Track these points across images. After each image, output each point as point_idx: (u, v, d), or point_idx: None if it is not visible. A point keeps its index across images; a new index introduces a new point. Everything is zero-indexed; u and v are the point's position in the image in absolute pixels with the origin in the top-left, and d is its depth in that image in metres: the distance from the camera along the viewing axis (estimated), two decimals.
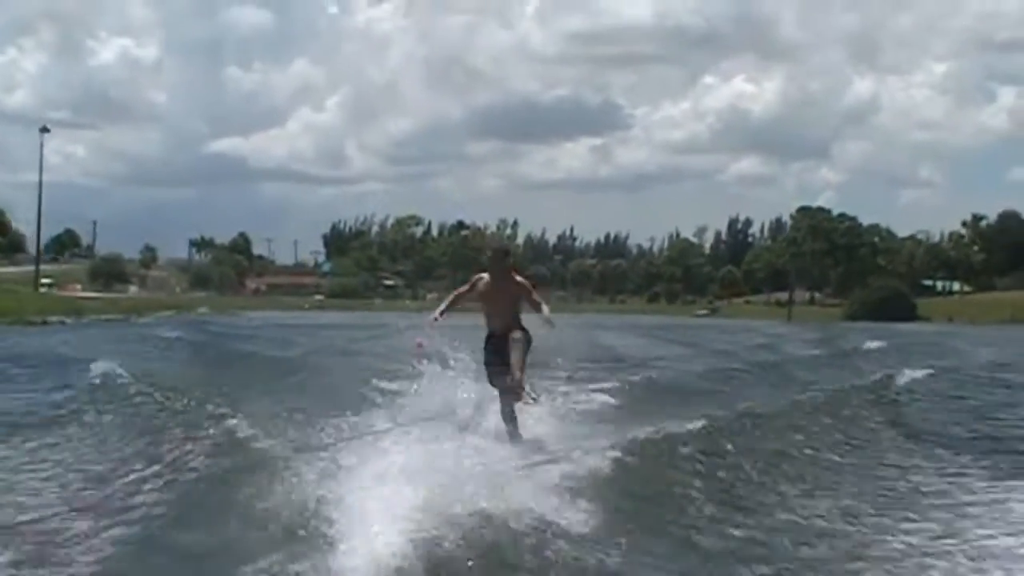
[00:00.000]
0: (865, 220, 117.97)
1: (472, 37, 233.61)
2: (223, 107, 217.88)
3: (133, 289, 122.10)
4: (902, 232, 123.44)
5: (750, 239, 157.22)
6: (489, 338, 10.89)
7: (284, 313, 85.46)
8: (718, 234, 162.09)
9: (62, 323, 50.60)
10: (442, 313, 10.97)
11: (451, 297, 11.26)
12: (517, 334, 10.64)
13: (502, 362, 10.53)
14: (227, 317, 68.18)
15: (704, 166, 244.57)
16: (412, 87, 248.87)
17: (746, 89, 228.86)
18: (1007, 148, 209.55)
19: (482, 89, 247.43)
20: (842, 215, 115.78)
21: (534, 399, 10.83)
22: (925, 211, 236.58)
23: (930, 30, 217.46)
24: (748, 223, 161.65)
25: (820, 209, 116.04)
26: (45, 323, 49.58)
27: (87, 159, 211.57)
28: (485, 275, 10.94)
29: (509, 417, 10.55)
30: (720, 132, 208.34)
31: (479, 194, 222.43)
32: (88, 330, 44.48)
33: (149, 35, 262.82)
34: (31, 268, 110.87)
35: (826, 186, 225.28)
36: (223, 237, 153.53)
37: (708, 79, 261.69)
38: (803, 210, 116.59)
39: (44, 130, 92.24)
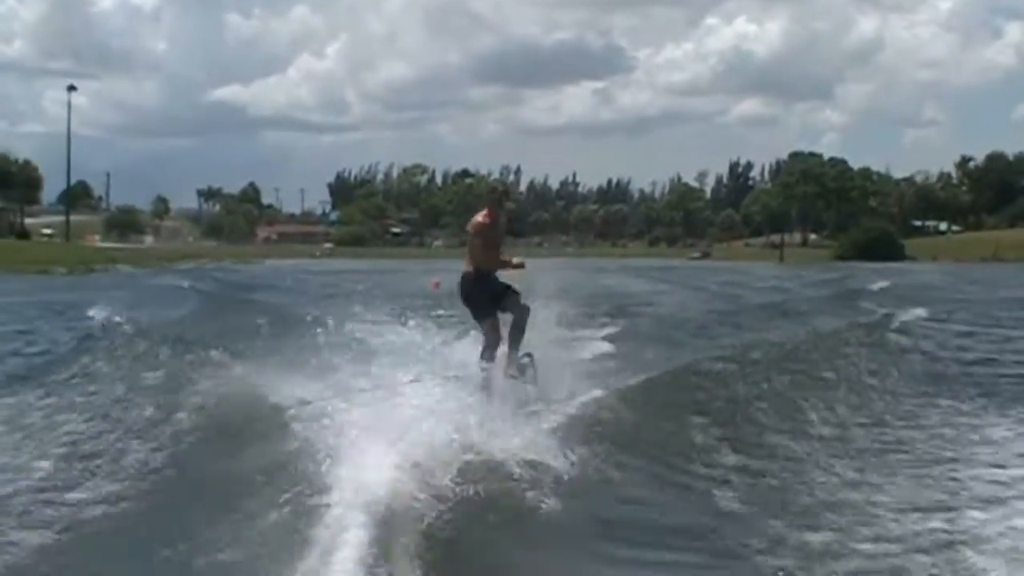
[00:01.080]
0: (869, 161, 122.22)
1: None
2: (223, 55, 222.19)
3: (149, 239, 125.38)
4: (905, 172, 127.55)
5: (751, 182, 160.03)
6: (475, 276, 10.57)
7: (302, 260, 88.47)
8: (719, 178, 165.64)
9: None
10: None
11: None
12: (518, 297, 10.58)
13: (490, 302, 10.50)
14: (256, 266, 71.91)
15: (707, 108, 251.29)
16: (412, 33, 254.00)
17: (749, 30, 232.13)
18: (1013, 85, 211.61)
19: (483, 34, 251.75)
20: (832, 159, 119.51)
21: (529, 357, 10.49)
22: (930, 151, 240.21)
23: None
24: (749, 166, 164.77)
25: (812, 154, 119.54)
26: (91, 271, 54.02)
27: (88, 109, 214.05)
28: (480, 216, 10.65)
29: (489, 357, 10.33)
30: (723, 74, 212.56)
31: (481, 140, 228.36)
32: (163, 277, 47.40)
33: None
34: (44, 219, 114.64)
35: (829, 127, 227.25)
36: (227, 186, 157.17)
37: (711, 20, 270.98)
38: (795, 155, 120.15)
39: (71, 88, 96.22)
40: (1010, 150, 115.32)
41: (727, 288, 38.71)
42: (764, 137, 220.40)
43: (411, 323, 12.28)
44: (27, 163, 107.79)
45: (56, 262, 56.32)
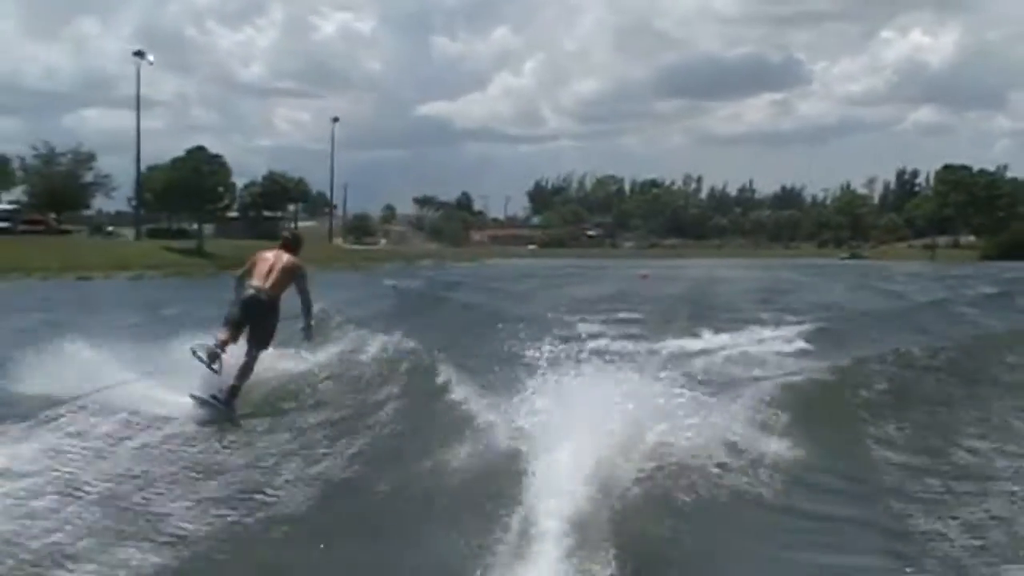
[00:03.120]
0: None
1: (658, 2, 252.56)
2: (431, 73, 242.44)
3: (383, 242, 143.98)
4: None
5: (917, 188, 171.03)
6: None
7: (515, 260, 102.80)
8: (887, 184, 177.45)
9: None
10: None
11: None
12: None
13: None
14: (487, 265, 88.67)
15: (881, 118, 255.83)
16: (602, 51, 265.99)
17: (923, 41, 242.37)
18: None
19: (668, 50, 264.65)
20: (983, 170, 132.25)
21: None
22: None
23: None
24: (915, 173, 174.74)
25: (963, 167, 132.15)
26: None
27: (310, 125, 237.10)
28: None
29: None
30: (897, 84, 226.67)
31: (665, 149, 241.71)
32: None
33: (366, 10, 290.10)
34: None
35: (1002, 134, 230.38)
36: (437, 193, 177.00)
37: (885, 33, 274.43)
38: (948, 167, 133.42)
39: (335, 119, 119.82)
40: None
41: (860, 278, 54.14)
42: (936, 144, 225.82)
43: None
44: (300, 181, 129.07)
45: (339, 260, 74.63)
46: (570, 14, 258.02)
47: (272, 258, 11.46)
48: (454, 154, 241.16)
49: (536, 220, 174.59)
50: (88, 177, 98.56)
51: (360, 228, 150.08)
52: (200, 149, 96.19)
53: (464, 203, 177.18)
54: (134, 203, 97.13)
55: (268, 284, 11.22)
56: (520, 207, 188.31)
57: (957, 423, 9.78)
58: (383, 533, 6.57)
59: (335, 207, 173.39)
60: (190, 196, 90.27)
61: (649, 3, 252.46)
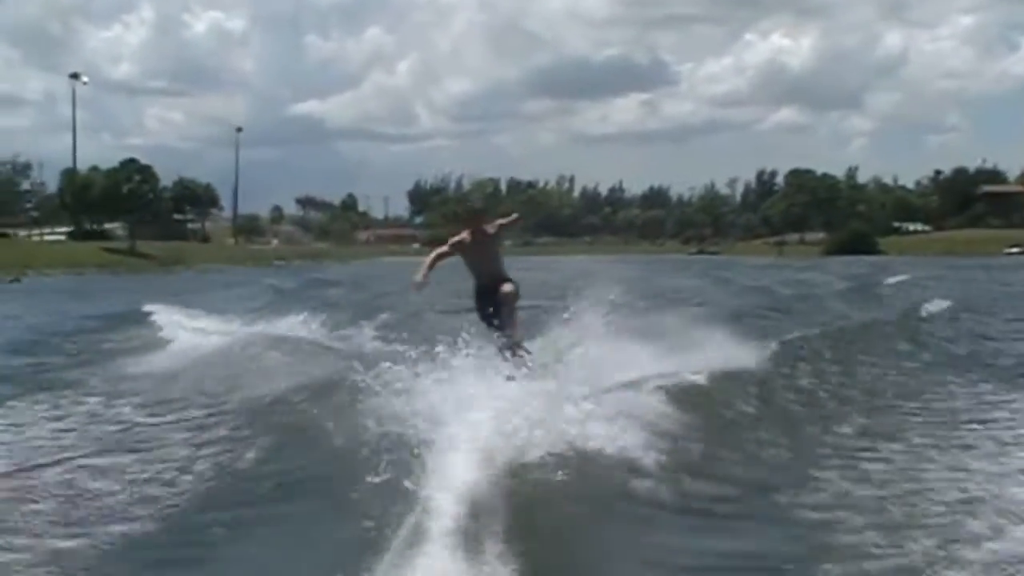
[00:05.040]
0: (895, 165, 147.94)
1: (529, 3, 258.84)
2: (303, 73, 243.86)
3: (275, 242, 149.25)
4: (926, 173, 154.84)
5: (775, 187, 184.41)
6: (479, 291, 11.38)
7: (407, 258, 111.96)
8: (748, 184, 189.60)
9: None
10: (424, 276, 11.08)
11: (430, 259, 11.30)
12: (506, 287, 11.08)
13: (495, 313, 11.02)
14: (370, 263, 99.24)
15: (744, 117, 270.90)
16: (474, 51, 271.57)
17: (784, 44, 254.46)
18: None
19: (538, 51, 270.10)
20: (825, 174, 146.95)
21: (528, 352, 10.74)
22: (952, 153, 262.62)
23: None
24: (774, 174, 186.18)
25: (808, 171, 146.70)
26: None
27: (183, 124, 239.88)
28: (464, 235, 11.29)
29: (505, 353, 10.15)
30: (759, 85, 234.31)
31: (536, 148, 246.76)
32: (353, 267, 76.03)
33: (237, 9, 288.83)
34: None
35: (857, 133, 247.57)
36: (314, 192, 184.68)
37: (748, 36, 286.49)
38: (794, 172, 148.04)
39: (239, 129, 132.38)
40: None
41: (685, 268, 64.92)
42: (798, 142, 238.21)
43: None
44: (208, 186, 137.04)
45: (244, 260, 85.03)
46: (442, 15, 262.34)
47: (468, 237, 11.33)
48: (328, 153, 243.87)
49: (419, 220, 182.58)
50: (25, 185, 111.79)
51: (250, 229, 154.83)
52: (132, 161, 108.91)
53: (350, 204, 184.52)
54: (64, 208, 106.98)
55: (488, 270, 11.41)
56: (401, 207, 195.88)
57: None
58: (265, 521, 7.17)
59: (222, 208, 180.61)
60: (124, 202, 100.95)
61: (519, 5, 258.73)
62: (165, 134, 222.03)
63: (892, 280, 37.80)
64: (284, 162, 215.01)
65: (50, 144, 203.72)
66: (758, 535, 6.75)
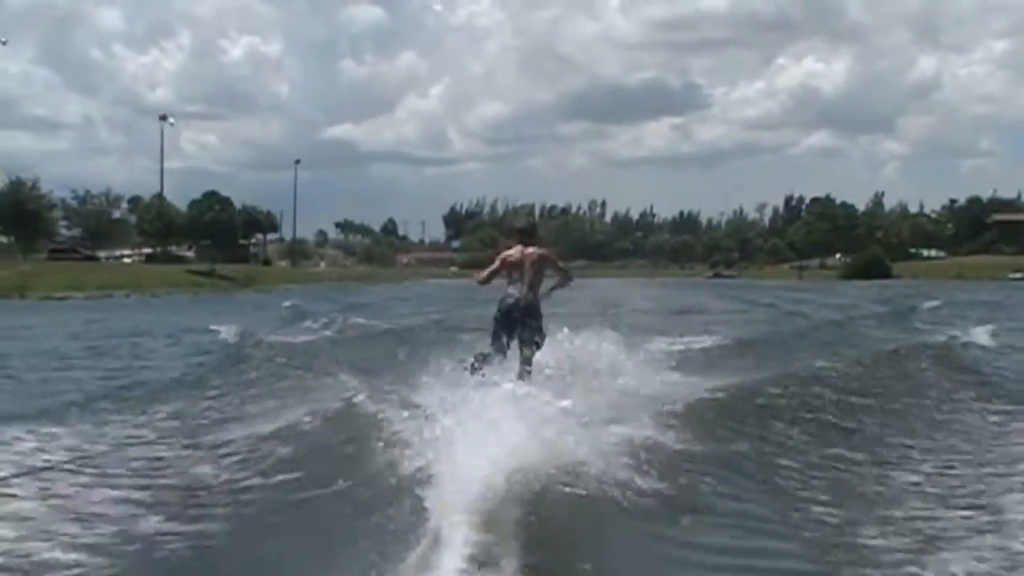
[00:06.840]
0: (927, 189, 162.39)
1: (561, 28, 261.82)
2: (338, 96, 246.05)
3: (323, 264, 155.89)
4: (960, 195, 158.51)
5: (802, 213, 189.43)
6: (504, 311, 11.16)
7: (448, 280, 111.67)
8: (776, 209, 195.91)
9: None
10: (484, 279, 11.79)
11: (486, 273, 11.73)
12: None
13: (510, 333, 11.01)
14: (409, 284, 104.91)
15: (776, 141, 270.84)
16: (507, 74, 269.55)
17: (816, 68, 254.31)
18: None
19: (571, 75, 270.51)
20: (843, 204, 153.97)
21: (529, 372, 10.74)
22: (986, 178, 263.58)
23: (987, 10, 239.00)
24: (801, 199, 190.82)
25: (828, 199, 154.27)
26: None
27: (218, 147, 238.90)
28: (513, 251, 11.39)
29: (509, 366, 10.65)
30: (792, 109, 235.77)
31: (568, 171, 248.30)
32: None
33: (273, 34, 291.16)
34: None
35: (891, 157, 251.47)
36: (350, 216, 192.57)
37: (781, 60, 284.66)
38: (815, 200, 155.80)
39: (297, 161, 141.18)
40: None
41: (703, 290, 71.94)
42: (829, 167, 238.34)
43: None
44: (269, 213, 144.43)
45: (306, 281, 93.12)
46: (475, 40, 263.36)
47: (518, 255, 11.29)
48: (362, 176, 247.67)
49: (456, 244, 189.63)
50: (116, 214, 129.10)
51: (298, 252, 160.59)
52: (213, 193, 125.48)
53: (390, 228, 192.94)
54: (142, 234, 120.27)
55: (525, 287, 11.22)
56: (436, 230, 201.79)
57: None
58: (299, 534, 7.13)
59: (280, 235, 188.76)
60: (205, 229, 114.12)
61: (553, 28, 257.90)
62: (200, 157, 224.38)
63: (889, 293, 44.96)
64: (318, 185, 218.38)
65: (88, 168, 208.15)
66: (786, 554, 6.89)
